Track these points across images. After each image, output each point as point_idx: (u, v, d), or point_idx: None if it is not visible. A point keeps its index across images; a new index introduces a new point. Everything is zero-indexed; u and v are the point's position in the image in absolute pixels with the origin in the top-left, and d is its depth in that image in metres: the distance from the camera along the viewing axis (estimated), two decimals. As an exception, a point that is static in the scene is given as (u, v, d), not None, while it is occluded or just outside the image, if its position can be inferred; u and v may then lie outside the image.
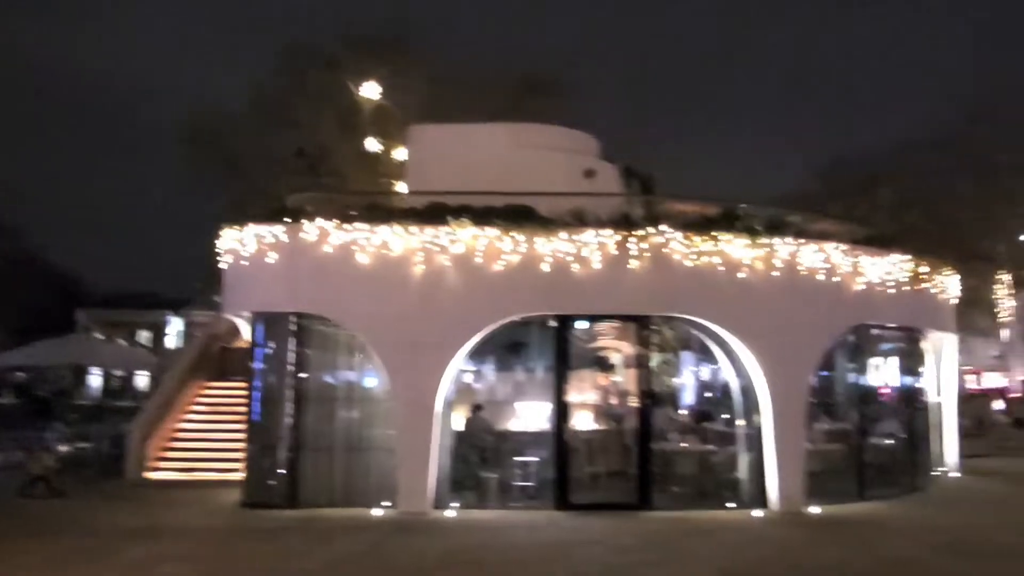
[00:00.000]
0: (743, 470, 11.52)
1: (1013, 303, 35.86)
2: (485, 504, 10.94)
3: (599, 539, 9.03)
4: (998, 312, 35.12)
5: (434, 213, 10.76)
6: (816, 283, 11.33)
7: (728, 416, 12.63)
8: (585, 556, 8.26)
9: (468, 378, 14.02)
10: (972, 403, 22.64)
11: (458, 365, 11.12)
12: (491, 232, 10.67)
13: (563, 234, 10.69)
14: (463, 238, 10.69)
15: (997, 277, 33.28)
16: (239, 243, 11.36)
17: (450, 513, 10.46)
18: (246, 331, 12.23)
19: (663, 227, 10.80)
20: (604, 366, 14.94)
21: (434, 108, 20.73)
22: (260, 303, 11.38)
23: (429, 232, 10.73)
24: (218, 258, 11.88)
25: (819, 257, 11.38)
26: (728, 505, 11.05)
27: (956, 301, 15.10)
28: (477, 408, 12.28)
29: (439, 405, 10.67)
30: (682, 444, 12.19)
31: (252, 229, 11.22)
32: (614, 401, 14.41)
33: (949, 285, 14.48)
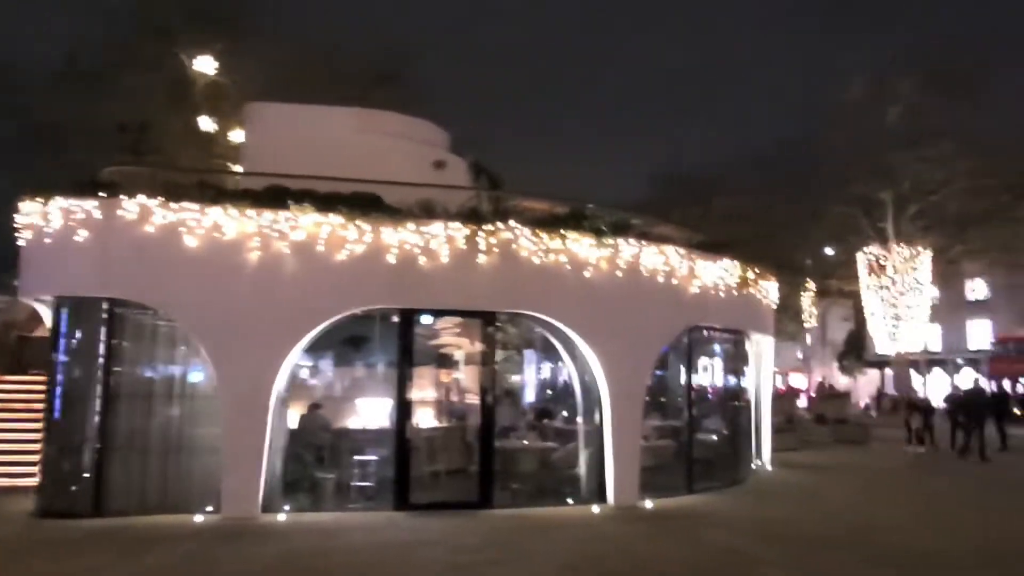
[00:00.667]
0: (582, 467, 11.67)
1: (816, 311, 39.43)
2: (320, 506, 10.34)
3: (440, 539, 8.75)
4: (803, 319, 38.53)
5: (273, 196, 10.00)
6: (656, 285, 11.68)
7: (569, 413, 12.79)
8: (425, 557, 7.95)
9: (305, 374, 13.30)
10: (782, 401, 24.54)
11: (294, 360, 10.43)
12: (335, 219, 10.07)
13: (411, 225, 10.30)
14: (304, 224, 10.02)
15: (804, 286, 36.52)
16: (42, 218, 10.00)
17: (281, 517, 9.77)
18: (48, 318, 10.80)
19: (512, 223, 10.68)
20: (447, 363, 14.70)
21: (275, 90, 19.58)
22: (65, 286, 10.08)
23: (267, 216, 9.96)
24: (16, 234, 10.41)
25: (660, 260, 11.74)
26: (568, 501, 11.13)
27: (774, 307, 16.24)
28: (314, 406, 11.62)
29: (272, 402, 9.94)
30: (523, 441, 12.18)
31: (59, 202, 9.91)
32: (456, 398, 14.21)
33: (770, 291, 15.52)
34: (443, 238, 10.40)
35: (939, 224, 31.88)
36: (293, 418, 11.23)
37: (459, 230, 10.46)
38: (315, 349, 11.72)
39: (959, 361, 50.60)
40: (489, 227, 10.55)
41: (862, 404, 44.00)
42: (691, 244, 12.56)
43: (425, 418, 12.78)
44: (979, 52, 28.72)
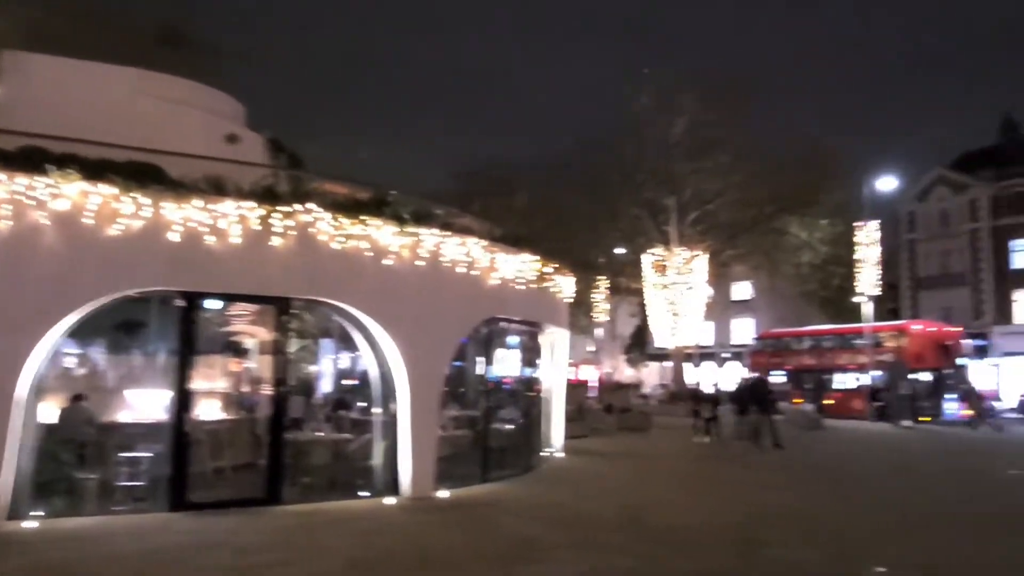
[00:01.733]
0: (377, 458, 11.40)
1: (607, 306, 41.91)
2: (80, 511, 9.19)
3: (221, 541, 8.11)
4: (595, 314, 40.82)
5: (30, 159, 8.71)
6: (457, 276, 11.66)
7: (365, 404, 12.44)
8: (204, 562, 7.31)
9: (68, 362, 11.82)
10: (574, 391, 25.73)
11: (51, 346, 9.19)
12: (107, 190, 8.97)
13: (197, 201, 9.45)
14: (69, 193, 8.83)
15: (597, 283, 38.69)
16: None
17: (30, 524, 8.57)
18: None
19: (311, 206, 10.15)
20: (237, 351, 13.76)
21: (41, 41, 17.21)
22: None
23: (21, 181, 8.66)
24: None
25: (461, 251, 11.73)
26: (361, 494, 10.81)
27: (569, 301, 16.92)
28: (77, 397, 10.34)
29: (21, 394, 8.69)
30: (317, 433, 11.68)
31: None
32: (246, 389, 13.34)
33: (565, 286, 16.13)
34: (234, 217, 9.65)
35: (714, 230, 35.05)
36: (52, 413, 9.92)
37: (253, 210, 9.75)
38: (83, 335, 10.43)
39: (726, 355, 56.25)
40: (286, 208, 9.94)
41: (646, 392, 47.36)
42: (492, 237, 12.68)
43: (210, 410, 11.86)
44: (749, 75, 31.87)
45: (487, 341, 13.08)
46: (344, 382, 14.86)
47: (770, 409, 19.99)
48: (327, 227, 10.26)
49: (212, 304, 10.94)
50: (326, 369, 14.96)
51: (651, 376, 61.88)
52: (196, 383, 10.22)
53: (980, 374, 38.96)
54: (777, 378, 34.80)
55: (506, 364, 15.76)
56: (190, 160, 9.64)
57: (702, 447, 19.45)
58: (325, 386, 14.82)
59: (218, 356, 13.01)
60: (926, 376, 29.99)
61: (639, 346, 63.54)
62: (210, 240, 9.52)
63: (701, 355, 56.40)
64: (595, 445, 18.89)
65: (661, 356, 53.39)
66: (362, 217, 10.53)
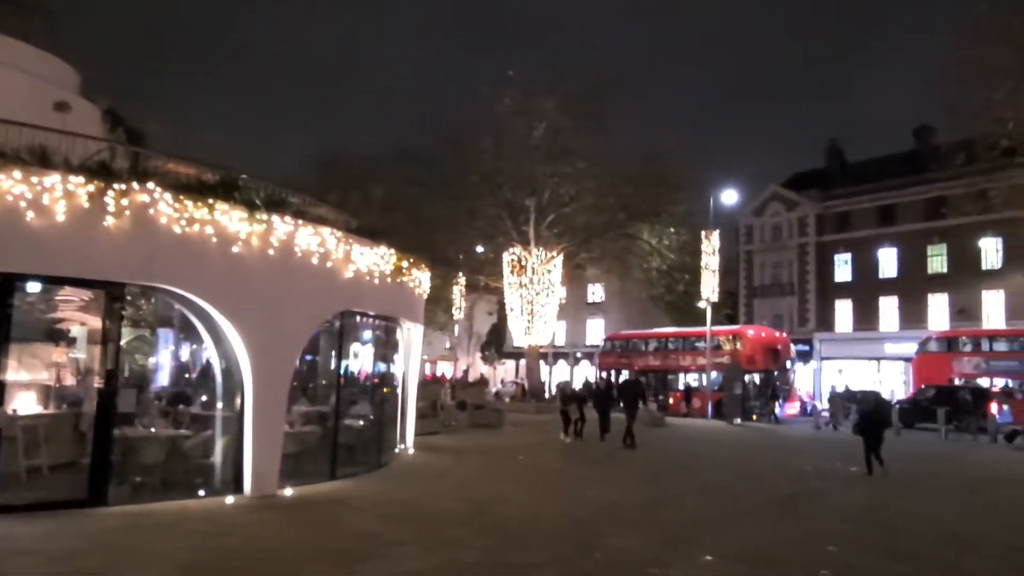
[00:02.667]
0: (218, 455, 10.82)
1: (465, 303, 42.10)
2: None
3: (33, 547, 7.39)
4: (453, 310, 40.90)
5: None
6: (311, 267, 11.29)
7: (207, 398, 11.79)
8: (10, 571, 6.63)
9: None
10: (428, 388, 25.68)
11: None
12: (-94, 155, 7.97)
13: (18, 173, 8.57)
14: None
15: (455, 280, 38.78)
16: None
17: None
18: None
19: (152, 185, 9.47)
20: (62, 340, 12.64)
21: None
22: None
23: None
24: None
25: (315, 241, 11.36)
26: (199, 493, 10.23)
27: (425, 297, 16.85)
28: None
29: None
30: (150, 429, 10.92)
31: None
32: (71, 381, 12.28)
33: (423, 282, 16.04)
34: (60, 193, 8.83)
35: (570, 233, 36.05)
36: None
37: (83, 186, 8.97)
38: None
39: (578, 355, 58.11)
40: (121, 186, 9.21)
41: (499, 389, 47.99)
42: (348, 228, 12.39)
43: (26, 403, 10.80)
44: (604, 84, 33.00)
45: (340, 335, 12.76)
46: (185, 375, 14.00)
47: (636, 409, 19.84)
48: (168, 209, 9.61)
49: (33, 286, 9.98)
50: (164, 361, 14.03)
51: (508, 374, 62.87)
52: (11, 374, 9.28)
53: (803, 376, 42.67)
54: (624, 377, 36.36)
55: (360, 359, 15.48)
56: (12, 128, 8.74)
57: (554, 444, 19.91)
58: (163, 379, 13.90)
59: (41, 344, 11.90)
60: (758, 377, 32.34)
61: (496, 344, 64.37)
62: (31, 216, 8.67)
63: (555, 354, 57.92)
64: (447, 442, 18.92)
65: (517, 354, 54.35)
66: (209, 200, 9.95)
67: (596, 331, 57.15)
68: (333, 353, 12.91)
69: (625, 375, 35.74)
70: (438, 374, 52.20)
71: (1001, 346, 31.80)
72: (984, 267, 39.55)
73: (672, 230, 34.81)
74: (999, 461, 18.43)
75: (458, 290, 39.69)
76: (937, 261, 42.16)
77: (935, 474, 15.95)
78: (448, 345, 61.32)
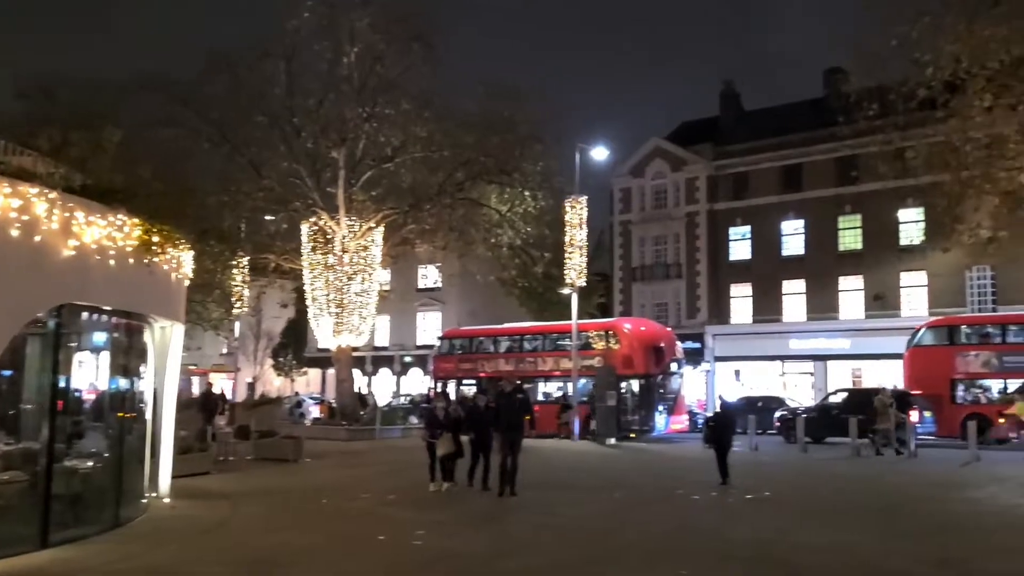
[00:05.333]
0: None
1: (249, 292, 40.81)
2: None
3: None
4: (232, 302, 39.54)
5: None
6: (9, 242, 10.44)
7: None
8: None
9: None
10: (195, 410, 24.66)
11: None
12: None
13: None
14: None
15: (234, 261, 37.42)
16: None
17: None
18: None
19: None
20: None
21: None
22: None
23: None
24: None
25: (14, 204, 10.50)
26: None
27: (187, 284, 16.11)
28: None
29: None
30: None
31: None
32: None
33: (185, 263, 15.31)
34: None
35: (393, 196, 35.76)
36: None
37: None
38: None
39: (407, 359, 58.01)
40: None
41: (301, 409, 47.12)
42: (69, 187, 11.63)
43: None
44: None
45: (57, 339, 11.92)
46: None
47: (520, 435, 17.25)
48: None
49: None
50: None
51: (312, 387, 61.90)
52: None
53: (693, 381, 44.95)
54: (467, 387, 36.73)
55: (88, 372, 14.56)
56: None
57: (376, 480, 19.74)
58: None
59: None
60: (636, 384, 33.53)
61: (293, 347, 63.15)
62: None
63: (376, 359, 57.56)
64: (222, 484, 18.33)
65: (323, 361, 53.57)
66: None
67: (431, 328, 57.44)
68: (46, 365, 12.02)
69: (471, 385, 36.10)
70: (214, 390, 50.40)
71: (1019, 337, 32.25)
72: (902, 243, 43.24)
73: (527, 194, 35.34)
74: (918, 481, 20.16)
75: (239, 274, 38.42)
76: (850, 236, 45.72)
77: (841, 497, 17.20)
78: (225, 350, 59.53)
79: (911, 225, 42.83)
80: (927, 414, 30.07)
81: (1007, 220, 20.70)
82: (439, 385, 38.81)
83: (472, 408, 18.48)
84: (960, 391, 32.16)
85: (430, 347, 48.65)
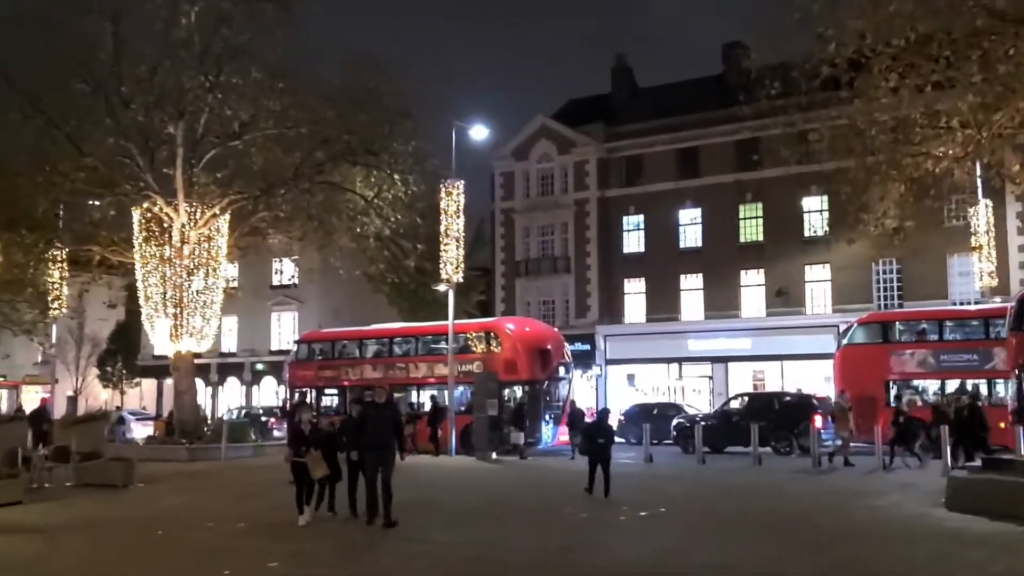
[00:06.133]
0: None
1: (67, 290, 39.38)
2: None
3: None
4: (49, 302, 38.12)
5: None
6: None
7: None
8: None
9: None
10: (3, 429, 23.71)
11: None
12: None
13: None
14: None
15: (50, 254, 36.04)
16: None
17: None
18: None
19: None
20: None
21: None
22: None
23: None
24: None
25: None
26: None
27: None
28: None
29: None
30: None
31: None
32: None
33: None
34: None
35: (242, 179, 35.01)
36: None
37: None
38: None
39: (259, 366, 57.06)
40: None
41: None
42: None
43: None
44: None
45: None
46: None
47: (390, 454, 16.14)
48: None
49: None
50: None
51: (147, 400, 60.29)
52: None
53: (582, 388, 45.55)
54: (328, 397, 36.36)
55: None
56: None
57: (223, 506, 19.31)
58: None
59: None
60: (520, 391, 33.71)
61: (124, 354, 61.36)
62: None
63: (222, 367, 56.47)
64: (35, 516, 17.70)
65: (158, 370, 52.11)
66: None
67: (286, 330, 56.59)
68: None
69: (332, 395, 35.71)
70: (24, 406, 48.49)
71: (956, 334, 33.01)
72: (806, 235, 44.85)
73: (397, 178, 35.14)
74: (820, 490, 20.91)
75: (56, 270, 37.06)
76: (751, 226, 47.10)
77: (740, 510, 17.68)
78: (40, 358, 57.50)
79: (815, 215, 44.55)
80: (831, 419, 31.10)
81: (913, 209, 21.70)
82: (297, 395, 38.31)
83: (348, 421, 17.77)
84: (895, 393, 32.45)
85: (286, 352, 47.85)
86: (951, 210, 37.96)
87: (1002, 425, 26.35)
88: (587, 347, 47.99)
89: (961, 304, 38.74)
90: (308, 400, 36.30)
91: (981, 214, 34.59)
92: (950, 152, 20.03)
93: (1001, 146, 20.81)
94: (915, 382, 33.03)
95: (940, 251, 40.40)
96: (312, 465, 15.96)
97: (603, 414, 23.10)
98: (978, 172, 26.17)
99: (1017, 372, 25.67)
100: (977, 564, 12.14)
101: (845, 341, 34.23)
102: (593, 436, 20.06)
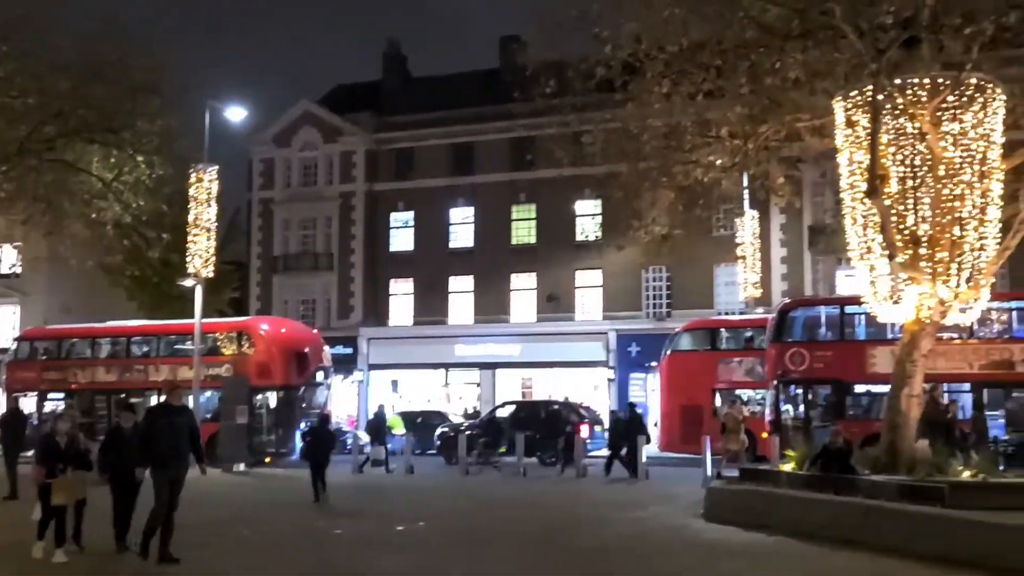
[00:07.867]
0: None
1: None
2: None
3: None
4: None
5: None
6: None
7: None
8: None
9: None
10: None
11: None
12: None
13: None
14: None
15: None
16: None
17: None
18: None
19: None
20: None
21: None
22: None
23: None
24: None
25: None
26: None
27: None
28: None
29: None
30: None
31: None
32: None
33: None
34: None
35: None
36: None
37: None
38: None
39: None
40: None
41: None
42: None
43: None
44: None
45: None
46: None
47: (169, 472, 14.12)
48: None
49: None
50: None
51: None
52: None
53: (342, 394, 45.31)
54: (53, 402, 34.61)
55: None
56: None
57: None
58: None
59: None
60: (274, 397, 33.20)
61: None
62: None
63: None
64: None
65: None
66: None
67: (5, 326, 53.37)
68: None
69: (57, 400, 34.02)
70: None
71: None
72: (579, 239, 46.27)
73: (140, 159, 33.92)
74: (583, 502, 21.65)
75: None
76: (524, 228, 48.13)
77: (501, 523, 18.10)
78: None
79: (588, 219, 46.00)
80: (598, 428, 32.15)
81: (683, 217, 22.86)
82: (14, 400, 36.20)
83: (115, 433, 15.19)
84: (720, 402, 32.22)
85: (4, 351, 45.13)
86: (719, 220, 39.82)
87: (764, 435, 28.01)
88: (349, 350, 47.74)
89: (726, 314, 40.57)
90: (53, 409, 34.00)
91: (747, 225, 36.21)
92: (719, 161, 21.18)
93: (767, 158, 22.23)
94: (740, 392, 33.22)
95: (707, 261, 42.33)
96: (57, 489, 13.55)
97: (325, 422, 24.30)
98: (744, 183, 27.81)
99: (775, 383, 27.35)
100: (733, 574, 12.96)
101: (671, 347, 34.49)
102: (313, 441, 22.15)
